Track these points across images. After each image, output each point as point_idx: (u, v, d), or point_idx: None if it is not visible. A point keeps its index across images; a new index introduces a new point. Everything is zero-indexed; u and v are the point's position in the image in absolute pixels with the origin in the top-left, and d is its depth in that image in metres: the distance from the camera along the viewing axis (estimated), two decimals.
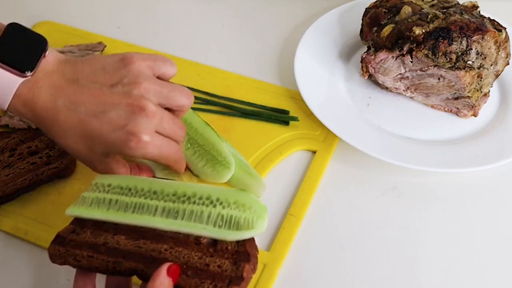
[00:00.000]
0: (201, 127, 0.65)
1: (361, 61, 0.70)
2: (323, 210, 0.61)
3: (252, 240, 0.44)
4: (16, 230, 0.58)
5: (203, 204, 0.45)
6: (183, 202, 0.46)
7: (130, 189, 0.47)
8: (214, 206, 0.45)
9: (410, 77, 0.69)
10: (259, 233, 0.44)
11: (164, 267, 0.41)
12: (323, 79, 0.73)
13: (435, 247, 0.58)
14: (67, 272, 0.56)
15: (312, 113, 0.68)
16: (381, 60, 0.68)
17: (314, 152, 0.66)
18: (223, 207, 0.45)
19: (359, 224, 0.60)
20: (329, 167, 0.65)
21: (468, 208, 0.62)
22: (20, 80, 0.46)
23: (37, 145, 0.63)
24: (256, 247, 0.45)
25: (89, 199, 0.47)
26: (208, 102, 0.72)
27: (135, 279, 0.45)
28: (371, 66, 0.69)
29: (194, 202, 0.45)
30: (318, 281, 0.55)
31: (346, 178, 0.65)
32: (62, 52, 0.76)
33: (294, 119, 0.69)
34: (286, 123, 0.69)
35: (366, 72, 0.70)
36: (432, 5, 0.69)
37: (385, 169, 0.65)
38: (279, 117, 0.69)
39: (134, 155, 0.47)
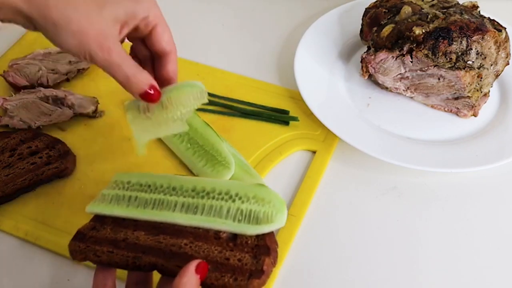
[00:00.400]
0: (201, 127, 0.65)
1: (361, 61, 0.70)
2: (323, 210, 0.61)
3: (271, 234, 0.45)
4: (16, 230, 0.58)
5: (222, 199, 0.46)
6: (202, 197, 0.46)
7: (149, 186, 0.48)
8: (233, 200, 0.45)
9: (410, 77, 0.69)
10: (279, 226, 0.44)
11: (193, 264, 0.41)
12: (323, 79, 0.73)
13: (435, 247, 0.58)
14: (67, 272, 0.56)
15: (312, 113, 0.68)
16: (381, 60, 0.68)
17: (314, 152, 0.66)
18: (242, 202, 0.45)
19: (359, 224, 0.60)
20: (329, 167, 0.65)
21: (468, 208, 0.62)
22: None
23: (37, 145, 0.63)
24: (275, 241, 0.45)
25: (108, 196, 0.48)
26: (208, 102, 0.72)
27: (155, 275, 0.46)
28: (371, 66, 0.69)
29: (213, 197, 0.46)
30: (318, 281, 0.55)
31: (346, 178, 0.65)
32: (62, 52, 0.76)
33: (294, 119, 0.69)
34: (286, 123, 0.69)
35: (366, 72, 0.70)
36: (432, 5, 0.69)
37: (385, 169, 0.65)
38: (279, 117, 0.69)
39: (138, 5, 0.46)
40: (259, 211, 0.45)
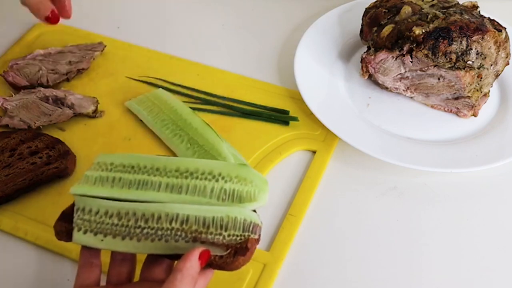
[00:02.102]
0: (201, 127, 0.65)
1: (361, 61, 0.70)
2: (323, 210, 0.61)
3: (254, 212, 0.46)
4: (16, 230, 0.58)
5: (205, 179, 0.46)
6: (186, 177, 0.46)
7: (133, 167, 0.48)
8: (217, 180, 0.46)
9: (410, 77, 0.69)
10: (261, 205, 0.45)
11: (197, 251, 0.41)
12: (323, 79, 0.73)
13: (435, 247, 0.58)
14: (67, 272, 0.56)
15: (312, 113, 0.68)
16: (381, 60, 0.68)
17: (314, 152, 0.66)
18: (225, 181, 0.46)
19: (359, 224, 0.60)
20: (329, 167, 0.65)
21: (468, 208, 0.62)
22: None
23: (37, 145, 0.63)
24: (258, 219, 0.46)
25: (92, 178, 0.48)
26: (208, 102, 0.72)
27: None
28: (371, 66, 0.69)
29: (197, 177, 0.46)
30: (318, 281, 0.55)
31: (346, 178, 0.65)
32: (62, 52, 0.76)
33: (294, 119, 0.69)
34: (286, 123, 0.69)
35: (366, 72, 0.70)
36: (432, 5, 0.69)
37: (385, 169, 0.65)
38: (279, 117, 0.69)
39: None
40: (242, 190, 0.45)
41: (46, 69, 0.73)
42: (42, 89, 0.71)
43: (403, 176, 0.64)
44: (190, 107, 0.69)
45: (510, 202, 0.63)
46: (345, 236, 0.59)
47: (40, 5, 0.66)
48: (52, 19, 0.66)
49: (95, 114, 0.69)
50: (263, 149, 0.66)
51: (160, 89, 0.72)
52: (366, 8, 0.75)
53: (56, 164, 0.62)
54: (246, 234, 0.44)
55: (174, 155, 0.65)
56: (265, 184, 0.46)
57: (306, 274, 0.56)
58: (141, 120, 0.69)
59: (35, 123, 0.67)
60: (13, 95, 0.71)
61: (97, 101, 0.70)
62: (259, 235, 0.45)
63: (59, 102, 0.69)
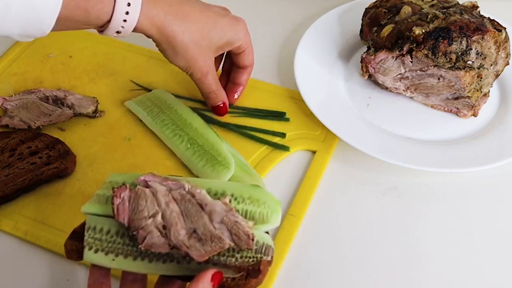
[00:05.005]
0: (201, 127, 0.65)
1: (361, 61, 0.70)
2: (323, 210, 0.61)
3: (267, 234, 0.45)
4: (16, 230, 0.58)
5: (218, 199, 0.45)
6: None
7: None
8: (229, 201, 0.45)
9: (410, 77, 0.69)
10: (274, 226, 0.45)
11: (210, 272, 0.41)
12: (323, 79, 0.73)
13: (435, 246, 0.58)
14: (67, 272, 0.56)
15: (312, 113, 0.68)
16: (381, 60, 0.68)
17: (314, 152, 0.66)
18: (238, 202, 0.45)
19: (359, 224, 0.60)
20: (329, 167, 0.65)
21: (467, 208, 0.62)
22: None
23: (37, 145, 0.64)
24: (271, 240, 0.45)
25: (104, 197, 0.47)
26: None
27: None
28: (371, 66, 0.69)
29: None
30: (318, 281, 0.55)
31: (346, 178, 0.65)
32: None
33: (286, 119, 0.69)
34: (286, 120, 0.69)
35: (366, 72, 0.70)
36: (432, 5, 0.69)
37: (385, 169, 0.65)
38: (275, 119, 0.69)
39: (236, 36, 0.63)
40: (255, 211, 0.45)
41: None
42: (42, 89, 0.71)
43: (403, 176, 0.64)
44: (190, 107, 0.69)
45: (510, 202, 0.63)
46: (345, 236, 0.59)
47: (213, 95, 0.65)
48: (221, 109, 0.67)
49: (95, 114, 0.69)
50: (263, 149, 0.66)
51: (160, 89, 0.72)
52: (366, 8, 0.75)
53: (56, 164, 0.62)
54: (259, 256, 0.43)
55: (174, 155, 0.65)
56: (277, 205, 0.46)
57: (306, 274, 0.56)
58: (141, 120, 0.69)
59: (35, 123, 0.67)
60: (13, 95, 0.71)
61: (97, 101, 0.70)
62: (272, 257, 0.44)
63: (59, 102, 0.69)
